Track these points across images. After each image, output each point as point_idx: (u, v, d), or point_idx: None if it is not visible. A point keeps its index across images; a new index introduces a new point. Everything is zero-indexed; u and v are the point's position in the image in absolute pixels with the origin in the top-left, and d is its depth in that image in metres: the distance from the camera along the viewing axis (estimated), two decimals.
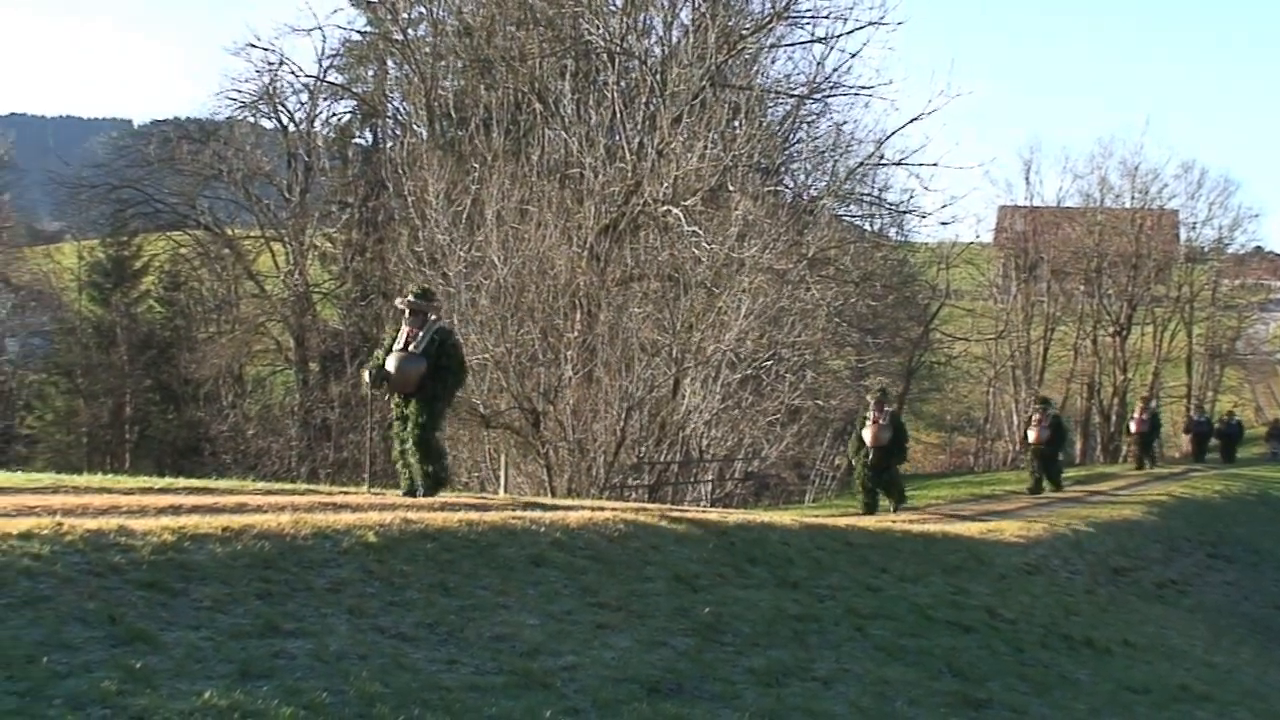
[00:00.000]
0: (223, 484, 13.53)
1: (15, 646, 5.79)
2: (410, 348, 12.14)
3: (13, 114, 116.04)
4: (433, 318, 12.55)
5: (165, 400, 43.05)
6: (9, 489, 10.39)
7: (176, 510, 9.20)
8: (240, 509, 9.70)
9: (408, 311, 12.37)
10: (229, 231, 43.62)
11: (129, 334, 43.18)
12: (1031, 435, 24.28)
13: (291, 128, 42.29)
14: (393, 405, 12.41)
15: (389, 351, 12.26)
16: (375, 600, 7.91)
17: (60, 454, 40.71)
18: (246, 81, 41.04)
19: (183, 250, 44.85)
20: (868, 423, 19.89)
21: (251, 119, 42.99)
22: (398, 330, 12.43)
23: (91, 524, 7.88)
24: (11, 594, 6.48)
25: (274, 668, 6.35)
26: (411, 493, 12.20)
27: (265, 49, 40.27)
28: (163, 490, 11.38)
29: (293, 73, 41.42)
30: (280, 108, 42.17)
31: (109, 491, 10.84)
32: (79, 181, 44.92)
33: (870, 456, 19.83)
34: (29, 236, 52.66)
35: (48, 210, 56.18)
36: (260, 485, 14.24)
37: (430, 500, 12.58)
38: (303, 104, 42.58)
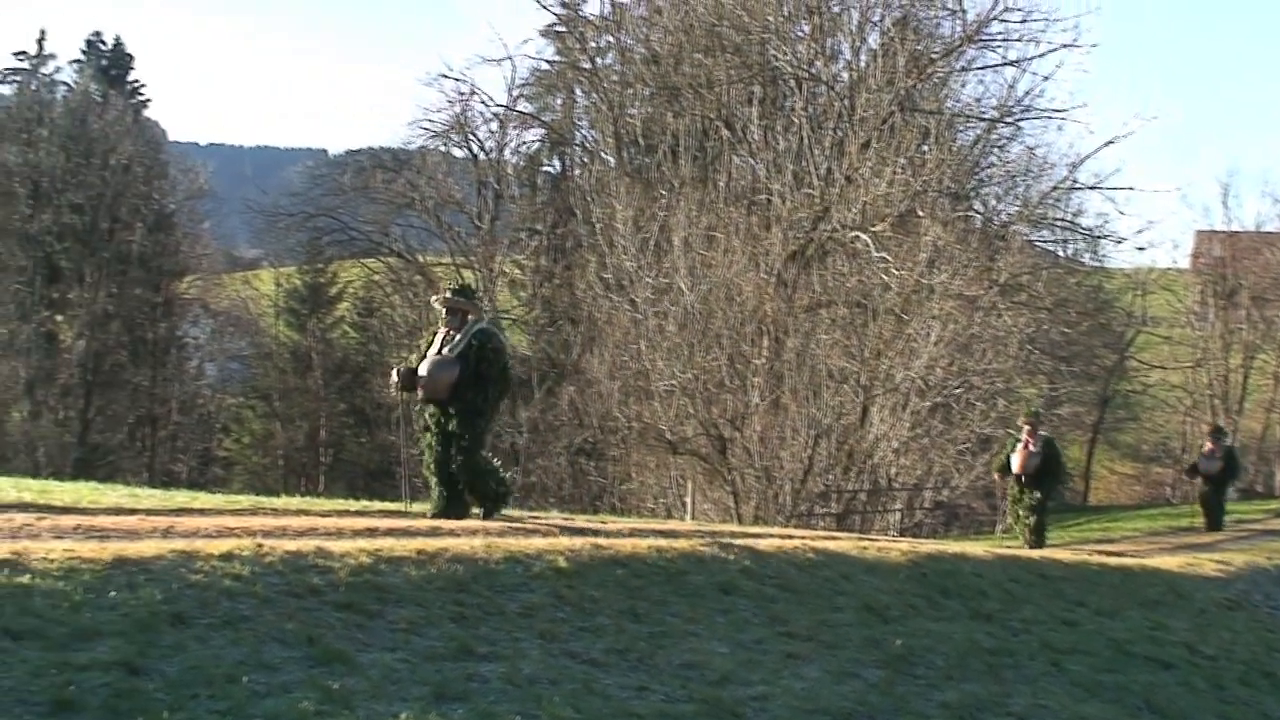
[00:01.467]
0: (416, 507, 13.48)
1: (217, 665, 6.11)
2: (445, 351, 11.11)
3: (212, 144, 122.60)
4: (472, 317, 11.35)
5: (358, 424, 45.18)
6: (209, 510, 10.71)
7: (372, 533, 9.59)
8: (434, 532, 9.98)
9: (444, 310, 11.38)
10: (420, 258, 45.52)
11: (324, 359, 45.61)
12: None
13: (482, 156, 44.14)
14: (425, 414, 11.31)
15: (423, 356, 11.30)
16: (566, 625, 8.08)
17: (257, 476, 43.21)
18: (438, 111, 43.15)
19: (376, 277, 47.08)
20: (1018, 447, 18.79)
21: (443, 148, 44.98)
22: (435, 333, 11.46)
23: (290, 546, 8.24)
24: (213, 614, 6.78)
25: (468, 691, 6.61)
26: (444, 513, 11.19)
27: (457, 79, 42.32)
28: (358, 513, 11.69)
29: (483, 102, 43.35)
30: (471, 137, 44.10)
31: (306, 513, 11.20)
32: (276, 210, 47.63)
33: (1020, 485, 18.84)
34: (228, 263, 55.61)
35: (246, 238, 59.29)
36: None
37: (619, 526, 12.40)
38: (493, 133, 44.42)
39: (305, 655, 6.56)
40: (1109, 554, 17.76)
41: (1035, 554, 15.88)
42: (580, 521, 12.26)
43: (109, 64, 57.59)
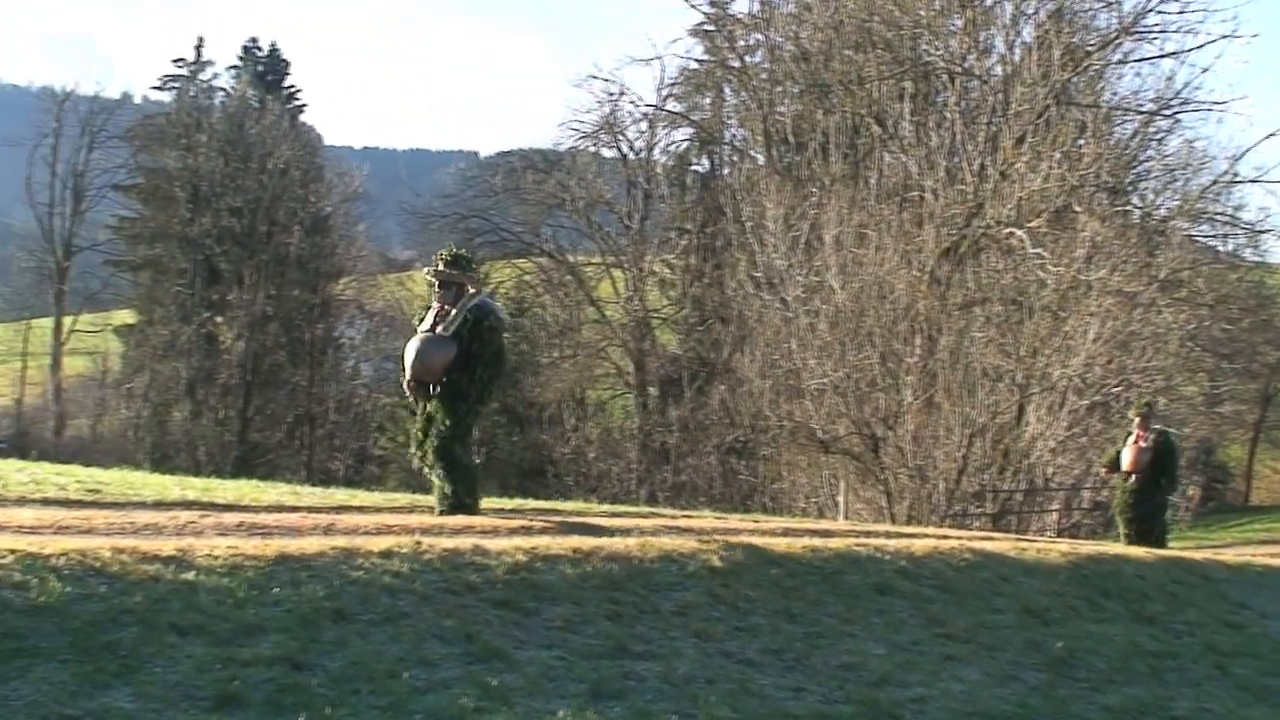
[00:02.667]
0: (569, 505, 13.94)
1: (378, 661, 6.38)
2: (438, 329, 10.20)
3: (367, 148, 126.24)
4: (471, 290, 10.39)
5: (511, 423, 46.54)
6: (368, 508, 10.92)
7: (527, 531, 9.75)
8: (588, 530, 10.18)
9: (437, 283, 10.39)
10: (571, 259, 46.72)
11: None
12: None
13: (631, 156, 45.16)
14: (418, 401, 10.45)
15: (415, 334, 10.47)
16: (721, 625, 8.21)
17: (411, 474, 44.62)
18: (588, 112, 44.31)
19: (527, 277, 48.39)
20: (1129, 442, 17.99)
21: (593, 149, 46.10)
22: (427, 307, 10.58)
23: (448, 543, 8.41)
24: (374, 610, 7.03)
25: (624, 689, 6.79)
26: (452, 510, 10.36)
27: (606, 80, 43.43)
28: (513, 511, 11.72)
29: (632, 102, 44.38)
30: (620, 137, 45.15)
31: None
32: (429, 212, 49.31)
33: (1130, 482, 17.84)
34: (382, 265, 57.32)
35: (400, 239, 61.23)
36: (605, 507, 14.37)
37: (772, 525, 12.38)
38: (642, 133, 45.40)
39: (464, 652, 6.82)
40: (1274, 555, 17.46)
41: (1199, 555, 15.75)
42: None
43: (265, 70, 59.90)
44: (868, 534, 12.37)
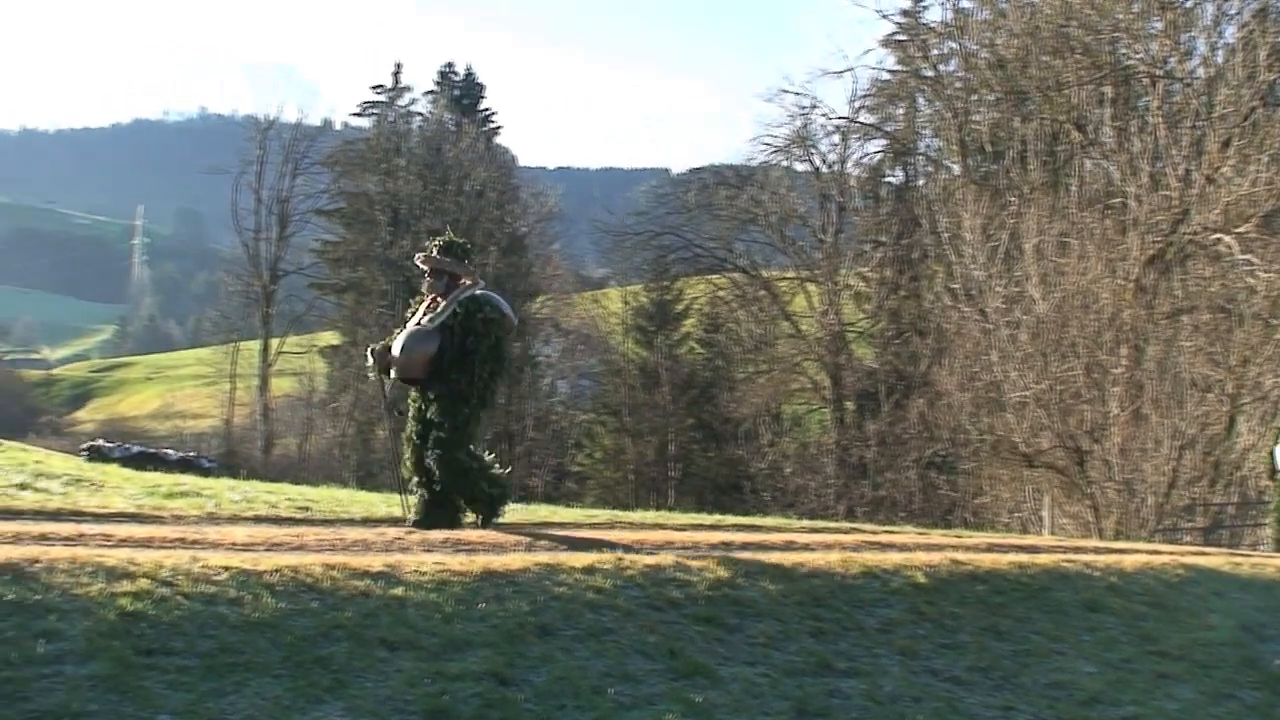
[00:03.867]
0: (769, 521, 14.05)
1: (583, 676, 6.58)
2: (424, 320, 9.81)
3: (560, 168, 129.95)
4: (466, 282, 9.91)
5: (706, 438, 47.55)
6: (569, 524, 11.18)
7: (727, 546, 9.85)
8: (788, 546, 10.27)
9: (428, 272, 9.95)
10: (765, 273, 47.44)
11: (672, 374, 48.25)
12: None
13: (824, 169, 45.73)
14: (409, 401, 10.02)
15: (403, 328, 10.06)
16: (926, 642, 8.25)
17: (608, 490, 46.09)
18: (780, 126, 45.07)
19: (721, 293, 49.31)
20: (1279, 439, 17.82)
21: (784, 162, 46.82)
22: (420, 299, 10.16)
23: (649, 559, 8.53)
24: (578, 625, 7.22)
25: (829, 707, 6.93)
26: (428, 520, 9.76)
27: (797, 94, 44.15)
28: (713, 527, 11.90)
29: (824, 115, 44.99)
30: (813, 150, 45.84)
31: (662, 527, 11.50)
32: (623, 230, 50.72)
33: None
34: (577, 283, 58.89)
35: (594, 258, 62.86)
36: (805, 523, 14.63)
37: (975, 540, 12.18)
38: (834, 145, 45.96)
39: (667, 668, 6.97)
40: None
41: None
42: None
43: (461, 94, 62.19)
44: (1075, 550, 12.24)
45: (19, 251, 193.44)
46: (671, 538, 10.19)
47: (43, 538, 7.50)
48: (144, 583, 6.52)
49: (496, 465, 10.17)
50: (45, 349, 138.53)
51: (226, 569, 6.96)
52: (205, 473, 19.29)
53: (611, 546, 8.92)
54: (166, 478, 12.75)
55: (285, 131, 63.38)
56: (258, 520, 9.70)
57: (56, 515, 8.71)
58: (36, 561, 6.54)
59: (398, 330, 9.98)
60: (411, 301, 10.36)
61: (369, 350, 10.14)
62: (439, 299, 9.80)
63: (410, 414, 9.88)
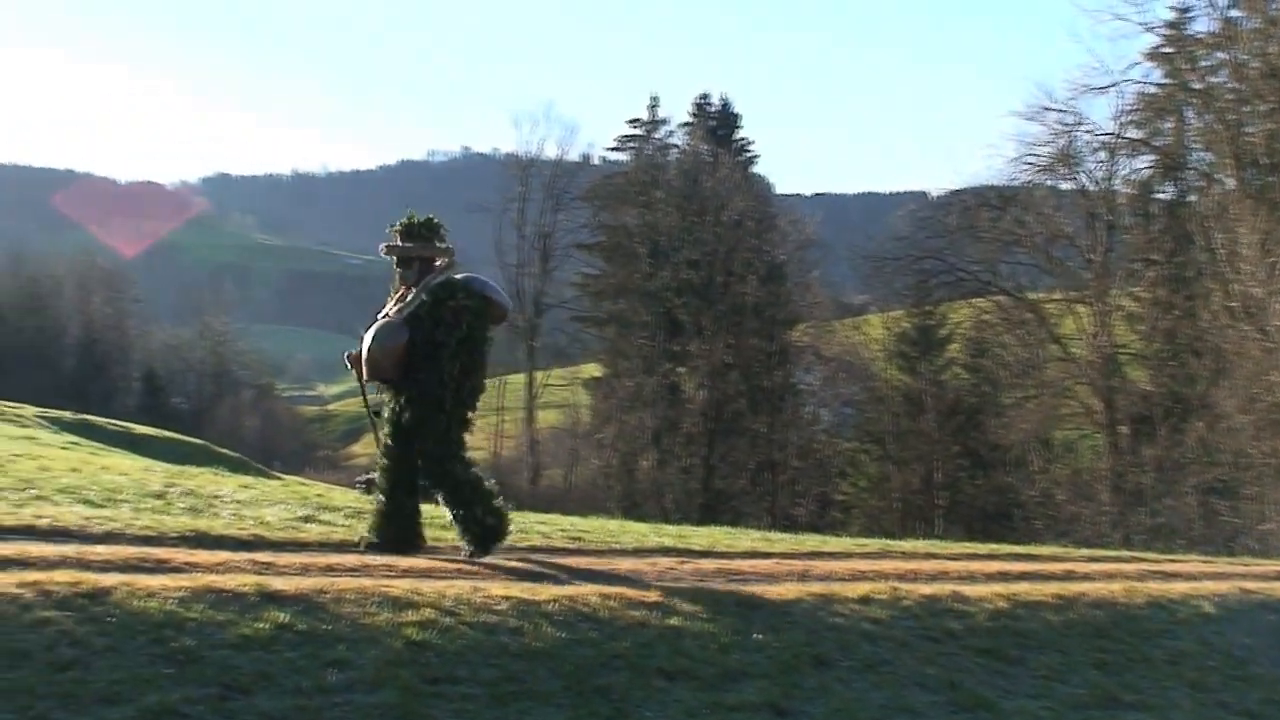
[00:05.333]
0: (1044, 550, 14.05)
1: (862, 709, 6.74)
2: (391, 313, 8.95)
3: (818, 194, 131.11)
4: (439, 263, 9.06)
5: (974, 465, 47.48)
6: (839, 554, 11.30)
7: (1004, 576, 9.89)
8: (1067, 576, 10.32)
9: (395, 263, 9.15)
10: (1031, 296, 47.22)
11: (936, 401, 48.49)
12: None
13: (1091, 187, 45.30)
14: (385, 404, 9.17)
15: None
16: (1216, 674, 8.23)
17: (873, 519, 46.43)
18: (1043, 145, 44.85)
19: (986, 316, 49.08)
20: None
21: (1049, 181, 46.59)
22: (393, 292, 9.30)
23: (925, 589, 8.65)
24: (854, 657, 7.35)
25: None
26: (383, 540, 8.95)
27: (1060, 110, 43.97)
28: (987, 556, 11.95)
29: (1089, 132, 44.60)
30: (1078, 168, 45.46)
31: (935, 556, 11.65)
32: (882, 255, 51.13)
33: None
34: (837, 310, 59.55)
35: (854, 284, 63.38)
36: (1083, 551, 14.47)
37: (1264, 569, 12.01)
38: (1101, 162, 45.50)
39: (948, 700, 7.07)
40: None
41: None
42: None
43: (717, 124, 63.87)
44: None
45: (294, 293, 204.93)
46: (946, 567, 10.33)
47: (329, 569, 7.80)
48: (428, 612, 6.87)
49: (498, 493, 9.17)
50: (320, 385, 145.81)
51: (507, 598, 7.27)
52: None
53: (884, 577, 8.98)
54: (440, 509, 13.12)
55: (546, 168, 66.23)
56: (533, 550, 9.83)
57: (340, 547, 8.98)
58: (325, 592, 6.92)
59: (363, 327, 9.01)
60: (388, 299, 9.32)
61: (344, 355, 9.22)
62: (411, 289, 8.93)
63: (386, 416, 9.04)
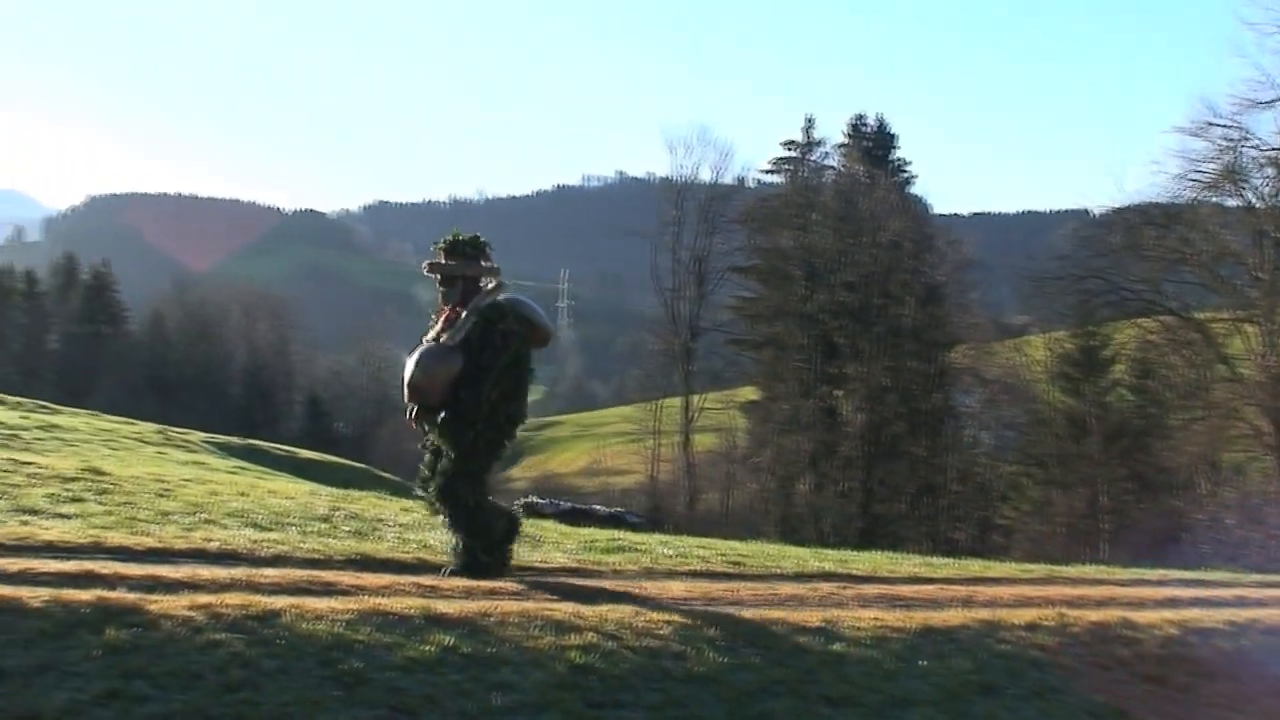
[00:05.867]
0: (1215, 575, 13.67)
1: None
2: (442, 338, 8.73)
3: (976, 214, 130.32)
4: (488, 285, 8.92)
5: (1141, 489, 46.72)
6: (1004, 579, 11.31)
7: (1174, 603, 9.93)
8: (1239, 602, 10.38)
9: (438, 281, 9.02)
10: (1197, 315, 46.53)
11: (1101, 423, 47.92)
12: None
13: (1258, 204, 44.40)
14: (423, 428, 8.97)
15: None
16: None
17: (1036, 544, 46.01)
18: (1207, 161, 44.22)
19: (1151, 337, 48.37)
20: None
21: (1214, 199, 45.85)
22: (439, 314, 9.11)
23: (1093, 616, 8.67)
24: (1021, 684, 7.39)
25: None
26: (465, 568, 8.76)
27: (1225, 126, 43.29)
28: (1157, 582, 11.86)
29: (1255, 147, 43.78)
30: (1244, 184, 44.67)
31: (1103, 582, 11.61)
32: (1043, 275, 50.76)
33: None
34: (997, 331, 59.01)
35: (1014, 305, 62.95)
36: (1254, 577, 14.11)
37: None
38: (1268, 179, 44.59)
39: None
40: None
41: None
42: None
43: (873, 145, 63.91)
44: None
45: None
46: (1114, 593, 10.25)
47: (492, 592, 8.01)
48: (591, 636, 7.00)
49: (511, 531, 9.00)
50: None
51: (669, 623, 7.39)
52: (632, 527, 19.83)
53: (1051, 603, 8.98)
54: (601, 533, 12.98)
55: (700, 191, 66.78)
56: (692, 575, 9.95)
57: None
58: (489, 615, 7.10)
59: (408, 351, 8.87)
60: (432, 319, 9.20)
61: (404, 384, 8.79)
62: (459, 309, 8.80)
63: (428, 445, 8.95)
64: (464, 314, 8.64)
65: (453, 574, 8.60)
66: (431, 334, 8.77)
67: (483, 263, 8.97)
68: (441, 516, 8.90)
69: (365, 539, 10.05)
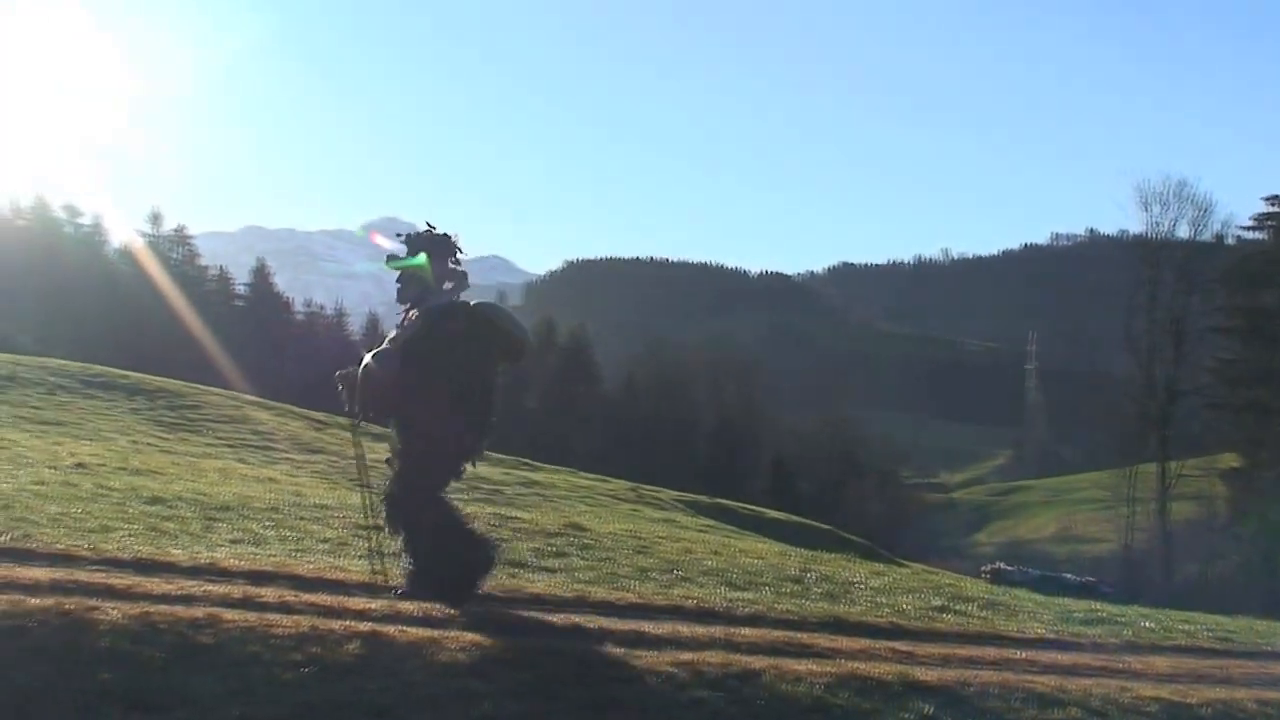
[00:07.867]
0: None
1: None
2: (387, 341, 8.12)
3: None
4: (447, 285, 8.27)
5: None
6: None
7: None
8: None
9: (396, 279, 8.35)
10: None
11: None
12: None
13: None
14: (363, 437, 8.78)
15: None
16: None
17: None
18: None
19: None
20: None
21: None
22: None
23: None
24: None
25: None
26: (411, 587, 8.06)
27: None
28: None
29: None
30: None
31: None
32: None
33: None
34: None
35: None
36: None
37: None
38: None
39: None
40: None
41: None
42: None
43: None
44: None
45: (915, 380, 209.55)
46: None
47: (970, 661, 8.15)
48: (1075, 711, 6.99)
49: (479, 543, 8.20)
50: (944, 474, 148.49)
51: (1156, 699, 7.28)
52: (1104, 598, 20.13)
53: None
54: (1078, 603, 12.76)
55: (1177, 249, 65.12)
56: (1177, 650, 9.69)
57: (978, 638, 9.17)
58: (968, 685, 7.28)
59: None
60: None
61: (335, 375, 8.36)
62: (412, 311, 8.21)
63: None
64: (411, 315, 8.13)
65: (401, 595, 7.95)
66: (389, 336, 8.15)
67: (446, 261, 8.27)
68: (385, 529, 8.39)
69: (838, 601, 10.27)
